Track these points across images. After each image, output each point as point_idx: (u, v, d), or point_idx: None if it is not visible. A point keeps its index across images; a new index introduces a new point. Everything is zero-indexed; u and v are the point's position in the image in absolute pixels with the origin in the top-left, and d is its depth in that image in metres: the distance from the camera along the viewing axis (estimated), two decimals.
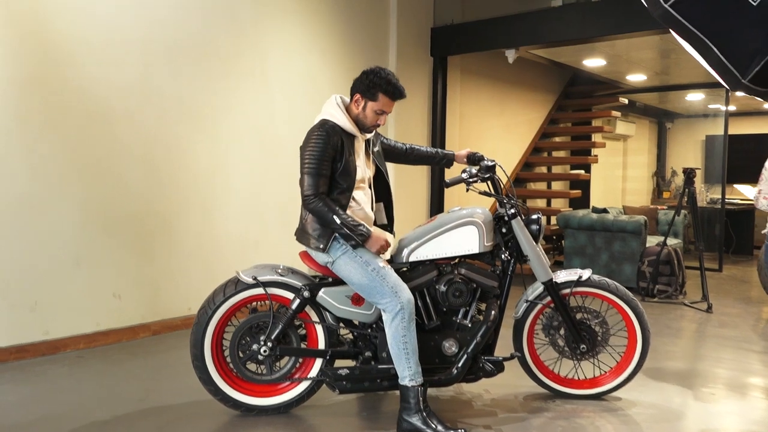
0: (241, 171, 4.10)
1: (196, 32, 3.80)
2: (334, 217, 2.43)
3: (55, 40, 3.25)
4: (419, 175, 5.54)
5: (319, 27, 4.56)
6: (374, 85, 2.54)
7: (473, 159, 2.91)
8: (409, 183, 5.44)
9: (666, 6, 1.58)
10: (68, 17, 3.31)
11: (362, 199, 2.64)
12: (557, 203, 7.91)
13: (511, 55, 5.43)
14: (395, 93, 2.55)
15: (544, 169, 8.06)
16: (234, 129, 4.05)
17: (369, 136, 2.71)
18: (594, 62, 6.98)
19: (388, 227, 2.85)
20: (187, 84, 3.79)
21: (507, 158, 7.07)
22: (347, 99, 2.67)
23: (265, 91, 4.24)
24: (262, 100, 4.22)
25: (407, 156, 2.99)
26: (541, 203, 7.75)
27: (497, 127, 6.93)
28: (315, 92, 4.53)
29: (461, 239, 2.66)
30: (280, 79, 4.34)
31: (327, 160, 2.49)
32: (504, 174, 2.81)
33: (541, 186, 7.85)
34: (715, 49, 1.56)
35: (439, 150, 3.05)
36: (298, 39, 4.45)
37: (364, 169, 2.64)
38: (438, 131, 5.62)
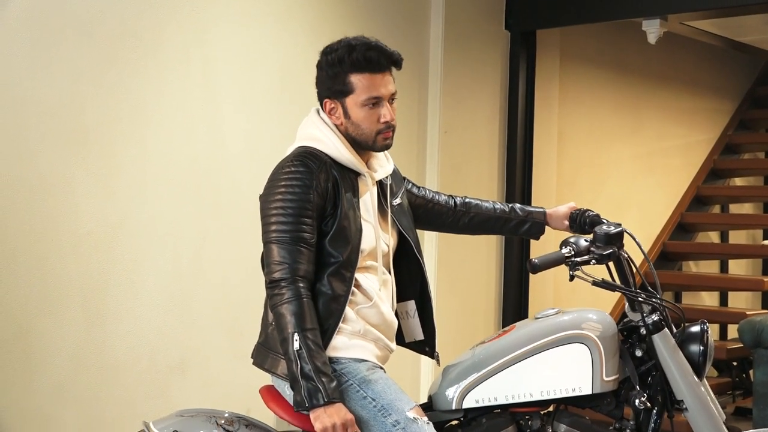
0: (157, 236, 4.13)
1: None
2: (296, 336, 2.48)
3: None
4: (483, 249, 5.55)
5: None
6: (333, 68, 2.65)
7: (581, 222, 2.95)
8: (463, 263, 5.44)
9: None
10: None
11: (372, 288, 2.68)
12: (739, 300, 7.84)
13: (653, 29, 5.48)
14: (368, 59, 2.62)
15: (714, 237, 7.98)
16: (148, 163, 4.11)
17: (384, 174, 2.78)
18: None
19: (426, 346, 2.89)
20: (68, 83, 3.86)
21: (645, 218, 7.07)
22: None
23: (208, 97, 4.32)
24: (202, 114, 4.30)
25: (458, 217, 3.05)
26: (709, 300, 7.65)
27: (628, 159, 6.96)
28: (298, 100, 4.58)
29: (560, 370, 2.69)
30: (235, 78, 4.42)
31: (309, 216, 2.57)
32: (638, 248, 2.79)
33: (710, 267, 7.77)
34: None
35: (518, 206, 3.09)
36: (270, 7, 4.54)
37: (376, 234, 2.70)
38: (517, 166, 5.65)
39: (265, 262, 2.58)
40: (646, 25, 5.48)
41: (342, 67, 2.64)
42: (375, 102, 2.64)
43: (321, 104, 2.73)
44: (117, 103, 3.98)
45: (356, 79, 2.63)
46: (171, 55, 4.16)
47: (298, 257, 2.53)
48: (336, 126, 2.70)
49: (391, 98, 2.68)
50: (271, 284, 2.54)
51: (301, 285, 2.52)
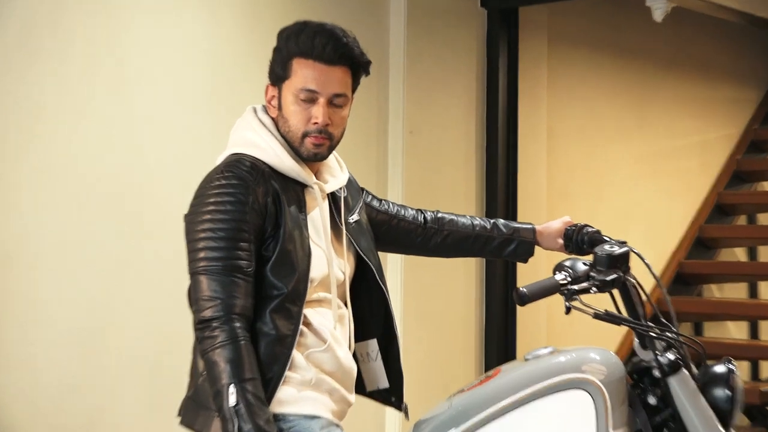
0: (60, 266, 4.13)
1: None
2: (232, 388, 2.46)
3: None
4: (460, 275, 5.58)
5: None
6: (280, 48, 2.71)
7: (578, 240, 2.98)
8: (435, 292, 5.46)
9: None
10: None
11: (326, 326, 2.69)
12: None
13: (659, 4, 5.53)
14: (315, 45, 2.65)
15: (740, 254, 8.02)
16: (47, 178, 4.10)
17: (337, 185, 2.79)
18: None
19: (392, 395, 2.90)
20: None
21: (656, 232, 7.12)
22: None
23: (121, 96, 4.33)
24: (114, 116, 4.30)
25: (429, 236, 3.07)
26: (737, 331, 7.69)
27: (632, 161, 7.02)
28: (231, 99, 4.61)
29: (557, 422, 2.70)
30: (154, 73, 4.43)
31: (245, 239, 2.57)
32: (648, 270, 2.81)
33: (737, 291, 7.81)
34: None
35: (502, 222, 3.11)
36: None
37: (329, 260, 2.71)
38: (499, 173, 5.68)
39: (193, 297, 2.56)
40: (650, 1, 5.53)
41: (288, 47, 2.67)
42: (310, 97, 2.65)
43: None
44: (8, 104, 3.97)
45: (297, 65, 2.66)
46: (75, 45, 4.15)
47: (232, 291, 2.51)
48: (273, 122, 2.72)
49: (333, 99, 2.67)
50: (201, 325, 2.52)
51: (238, 325, 2.50)
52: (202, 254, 2.54)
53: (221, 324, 2.50)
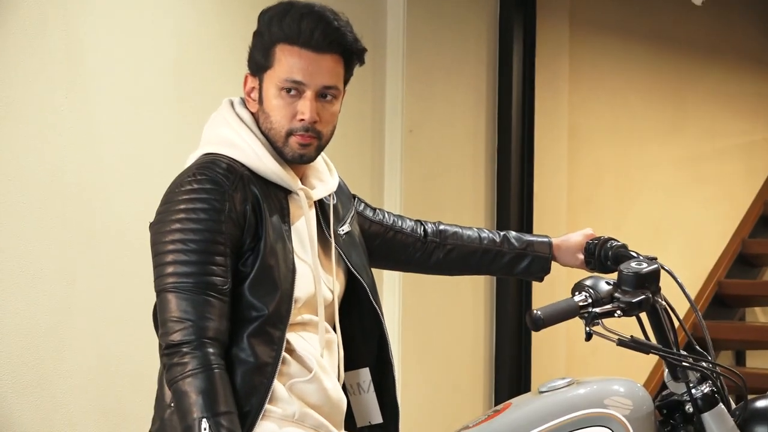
0: (18, 274, 4.11)
1: None
2: (204, 423, 2.45)
3: None
4: (467, 296, 5.59)
5: None
6: (261, 32, 2.70)
7: (602, 255, 2.99)
8: (437, 315, 5.47)
9: None
10: None
11: (312, 353, 2.70)
12: None
13: None
14: (302, 29, 2.65)
15: None
16: None
17: (326, 191, 2.80)
18: None
19: None
20: None
21: (692, 247, 7.12)
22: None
23: (74, 82, 4.30)
24: (65, 106, 4.26)
25: (430, 250, 3.10)
26: None
27: (667, 165, 7.01)
28: (201, 89, 4.61)
29: None
30: (112, 56, 4.42)
31: (221, 252, 2.57)
32: (681, 291, 2.82)
33: None
34: None
35: (514, 235, 3.13)
36: None
37: (316, 277, 2.72)
38: (512, 178, 5.69)
39: (160, 319, 2.55)
40: None
41: (270, 32, 2.66)
42: (295, 88, 2.65)
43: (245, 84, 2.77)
44: None
45: (281, 52, 2.65)
46: (21, 22, 4.14)
47: (205, 311, 2.51)
48: (253, 117, 2.72)
49: (323, 92, 2.67)
50: (169, 350, 2.51)
51: (211, 350, 2.50)
52: (170, 269, 2.54)
53: (192, 349, 2.49)
